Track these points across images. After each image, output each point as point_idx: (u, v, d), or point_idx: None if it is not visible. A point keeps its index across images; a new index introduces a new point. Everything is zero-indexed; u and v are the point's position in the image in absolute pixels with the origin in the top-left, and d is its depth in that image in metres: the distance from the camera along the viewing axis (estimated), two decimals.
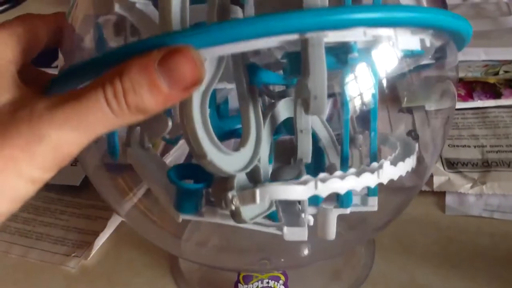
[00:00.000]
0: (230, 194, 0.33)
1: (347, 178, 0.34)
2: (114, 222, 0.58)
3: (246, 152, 0.35)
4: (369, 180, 0.35)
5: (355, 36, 0.31)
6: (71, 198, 0.63)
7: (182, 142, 0.44)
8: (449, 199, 0.57)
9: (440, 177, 0.58)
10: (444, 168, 0.59)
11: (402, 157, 0.38)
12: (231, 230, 0.45)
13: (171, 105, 0.29)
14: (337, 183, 0.34)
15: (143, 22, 0.35)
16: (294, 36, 0.29)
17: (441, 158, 0.60)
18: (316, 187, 0.34)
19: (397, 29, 0.32)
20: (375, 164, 0.36)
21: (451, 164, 0.59)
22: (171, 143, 0.44)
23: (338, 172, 0.34)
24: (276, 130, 0.38)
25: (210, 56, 0.31)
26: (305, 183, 0.34)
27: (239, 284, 0.47)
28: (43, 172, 0.29)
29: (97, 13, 0.38)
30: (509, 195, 0.56)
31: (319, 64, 0.30)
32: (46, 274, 0.54)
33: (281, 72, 0.39)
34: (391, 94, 0.44)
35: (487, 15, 0.81)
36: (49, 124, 0.28)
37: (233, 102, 0.42)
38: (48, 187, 0.64)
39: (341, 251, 0.47)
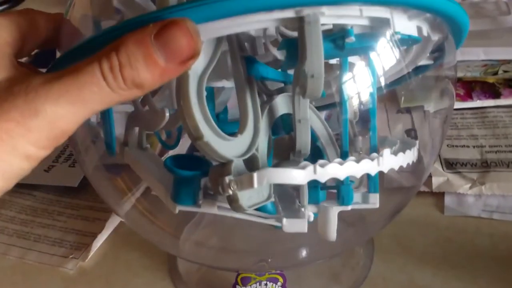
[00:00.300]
0: (227, 179, 0.33)
1: (346, 164, 0.34)
2: (112, 224, 0.58)
3: (243, 139, 0.35)
4: (369, 167, 0.35)
5: (351, 14, 0.31)
6: (69, 199, 0.63)
7: (181, 142, 0.44)
8: (448, 200, 0.57)
9: (439, 178, 0.57)
10: (443, 169, 0.59)
11: (403, 150, 0.38)
12: (229, 230, 0.45)
13: (167, 80, 0.29)
14: (336, 169, 0.34)
15: None
16: (290, 13, 0.29)
17: (440, 158, 0.59)
18: (315, 171, 0.33)
19: (393, 11, 0.32)
20: (375, 154, 0.36)
21: (450, 165, 0.59)
22: (169, 148, 0.44)
23: (338, 159, 0.34)
24: (275, 130, 0.38)
25: (207, 38, 0.31)
26: (304, 167, 0.33)
27: (237, 286, 0.47)
28: (38, 148, 0.29)
29: (94, 11, 0.38)
30: (508, 196, 0.56)
31: (315, 42, 0.30)
32: (44, 276, 0.54)
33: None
34: (390, 94, 0.44)
35: (486, 15, 0.81)
36: (45, 99, 0.28)
37: (232, 112, 0.42)
38: (46, 189, 0.64)
39: (339, 251, 0.47)
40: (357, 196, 0.39)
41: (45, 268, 0.55)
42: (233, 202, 0.34)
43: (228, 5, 0.28)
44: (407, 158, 0.37)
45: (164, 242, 0.46)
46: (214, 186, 0.35)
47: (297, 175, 0.33)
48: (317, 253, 0.44)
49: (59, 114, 0.28)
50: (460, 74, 0.68)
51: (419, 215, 0.56)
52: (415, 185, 0.44)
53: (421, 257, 0.51)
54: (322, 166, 0.33)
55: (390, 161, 0.36)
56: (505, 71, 0.69)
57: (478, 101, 0.68)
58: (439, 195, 0.57)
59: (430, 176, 0.57)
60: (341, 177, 0.34)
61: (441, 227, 0.55)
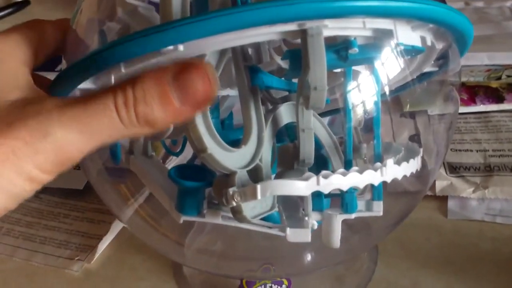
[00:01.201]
0: (231, 190, 0.33)
1: (349, 174, 0.34)
2: (117, 226, 0.58)
3: (247, 150, 0.35)
4: (372, 177, 0.35)
5: (354, 27, 0.31)
6: (74, 201, 0.63)
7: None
8: (451, 204, 0.57)
9: (443, 182, 0.58)
10: (446, 173, 0.59)
11: (406, 158, 0.38)
12: (233, 237, 0.45)
13: (179, 121, 0.29)
14: (340, 179, 0.34)
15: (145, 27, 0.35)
16: (293, 26, 0.30)
17: (443, 162, 0.60)
18: (318, 182, 0.34)
19: (396, 22, 0.32)
20: (378, 164, 0.36)
21: (453, 169, 0.59)
22: (174, 155, 0.45)
23: (341, 170, 0.34)
24: (279, 138, 0.38)
25: (210, 50, 0.31)
26: (307, 178, 0.34)
27: None
28: (42, 172, 0.29)
29: (101, 18, 0.39)
30: (511, 200, 0.56)
31: (318, 55, 0.30)
32: (50, 278, 0.54)
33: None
34: (393, 98, 0.45)
35: (490, 20, 0.81)
36: (56, 122, 0.28)
37: (237, 118, 0.42)
38: (52, 191, 0.64)
39: (345, 258, 0.47)
40: (361, 204, 0.39)
41: (51, 270, 0.55)
42: (236, 213, 0.34)
43: (232, 20, 0.28)
44: (411, 167, 0.37)
45: (167, 249, 0.47)
46: (219, 197, 0.35)
47: (300, 187, 0.34)
48: (322, 260, 0.44)
49: (68, 140, 0.28)
50: (463, 79, 0.69)
51: (423, 218, 0.56)
52: (420, 191, 0.44)
53: (424, 261, 0.52)
54: (325, 177, 0.34)
55: (393, 171, 0.36)
56: (508, 76, 0.69)
57: (481, 105, 0.68)
58: (443, 199, 0.58)
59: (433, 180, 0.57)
60: (344, 188, 0.35)
61: (444, 230, 0.55)
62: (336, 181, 0.34)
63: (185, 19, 0.29)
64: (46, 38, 0.36)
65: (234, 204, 0.33)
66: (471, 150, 0.62)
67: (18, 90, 0.31)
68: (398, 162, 0.37)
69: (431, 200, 0.58)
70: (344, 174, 0.34)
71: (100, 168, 0.43)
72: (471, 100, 0.68)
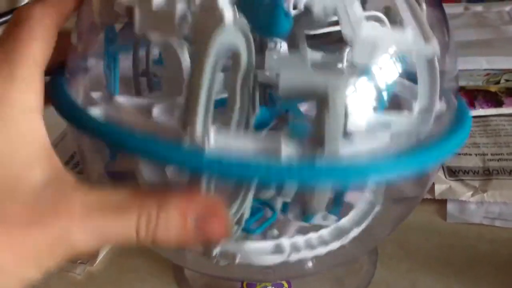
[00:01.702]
0: (214, 252, 0.36)
1: (317, 248, 0.38)
2: None
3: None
4: (335, 245, 0.39)
5: None
6: None
7: None
8: (450, 207, 0.57)
9: (442, 185, 0.58)
10: (445, 176, 0.59)
11: (368, 210, 0.41)
12: None
13: (183, 246, 0.32)
14: (308, 253, 0.38)
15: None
16: None
17: (442, 166, 0.60)
18: (289, 256, 0.38)
19: None
20: (344, 223, 0.39)
21: (452, 172, 0.60)
22: None
23: (312, 239, 0.39)
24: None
25: None
26: (280, 252, 0.37)
27: None
28: (54, 264, 0.30)
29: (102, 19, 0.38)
30: (510, 203, 0.56)
31: None
32: (53, 281, 0.55)
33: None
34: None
35: (489, 24, 0.81)
36: (80, 229, 0.29)
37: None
38: None
39: (344, 262, 0.48)
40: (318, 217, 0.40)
41: (53, 273, 0.55)
42: (214, 263, 0.37)
43: (251, 172, 0.29)
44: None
45: (169, 252, 0.47)
46: (204, 250, 0.37)
47: (273, 258, 0.38)
48: (322, 263, 0.44)
49: (83, 242, 0.29)
50: (462, 83, 0.69)
51: (422, 221, 0.56)
52: (418, 195, 0.44)
53: (424, 263, 0.52)
54: (297, 251, 0.38)
55: (353, 235, 0.40)
56: (507, 80, 0.69)
57: (480, 109, 0.68)
58: (442, 202, 0.58)
59: (432, 183, 0.57)
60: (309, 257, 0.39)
61: (443, 233, 0.55)
62: (304, 255, 0.38)
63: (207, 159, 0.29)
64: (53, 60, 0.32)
65: (214, 262, 0.37)
66: (470, 154, 0.62)
67: (39, 167, 0.30)
68: (359, 222, 0.40)
69: (430, 204, 0.58)
70: (312, 248, 0.38)
71: (101, 171, 0.44)
72: (470, 104, 0.68)
